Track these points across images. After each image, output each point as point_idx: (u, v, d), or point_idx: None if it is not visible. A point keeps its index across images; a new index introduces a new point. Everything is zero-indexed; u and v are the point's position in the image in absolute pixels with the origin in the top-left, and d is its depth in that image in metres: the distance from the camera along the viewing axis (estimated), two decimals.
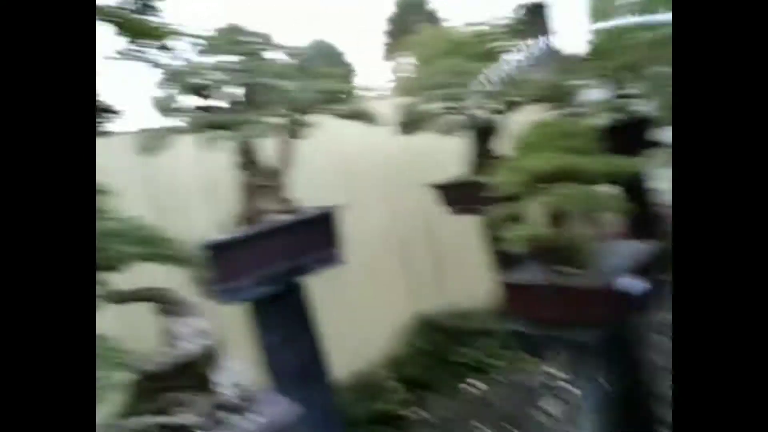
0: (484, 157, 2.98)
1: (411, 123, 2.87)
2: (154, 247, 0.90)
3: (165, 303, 1.01)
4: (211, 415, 0.96)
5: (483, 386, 3.29)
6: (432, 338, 3.55)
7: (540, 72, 3.43)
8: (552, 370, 3.19)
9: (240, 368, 1.06)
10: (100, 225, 0.87)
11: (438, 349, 3.47)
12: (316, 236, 2.18)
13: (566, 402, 2.87)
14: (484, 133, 2.98)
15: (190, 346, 0.98)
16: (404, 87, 3.31)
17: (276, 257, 2.08)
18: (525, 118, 2.63)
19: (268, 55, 2.11)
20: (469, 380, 3.32)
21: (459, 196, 3.11)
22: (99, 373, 0.72)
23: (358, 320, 3.50)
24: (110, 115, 7.94)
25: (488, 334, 3.58)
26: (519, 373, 3.28)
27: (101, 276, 0.95)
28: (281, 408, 1.02)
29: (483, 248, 4.05)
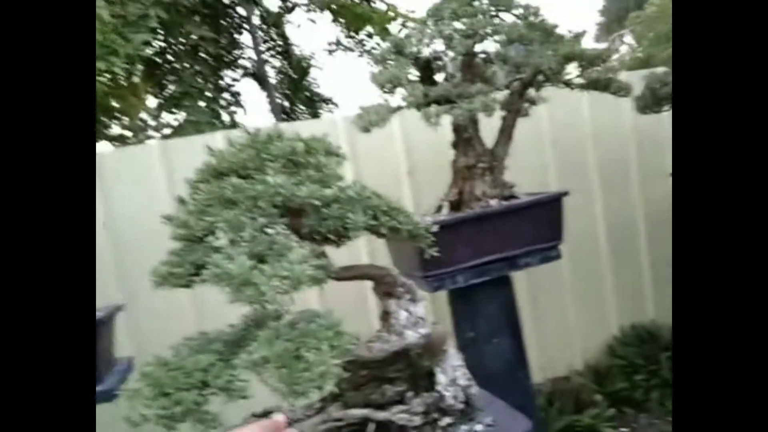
0: None
1: (657, 97, 2.40)
2: (386, 217, 0.80)
3: (386, 284, 0.91)
4: (428, 417, 0.83)
5: None
6: (646, 352, 3.08)
7: None
8: None
9: (459, 364, 0.92)
10: (323, 190, 0.79)
11: (652, 365, 3.00)
12: (534, 226, 1.95)
13: None
14: None
15: (409, 334, 0.86)
16: (631, 65, 2.83)
17: (489, 247, 1.91)
18: None
19: (498, 18, 1.90)
20: None
21: None
22: (316, 356, 0.63)
23: (565, 322, 3.18)
24: (328, 104, 8.63)
25: None
26: None
27: (323, 248, 0.88)
28: (507, 417, 0.84)
29: None
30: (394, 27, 6.32)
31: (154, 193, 2.46)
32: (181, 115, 5.24)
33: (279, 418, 0.81)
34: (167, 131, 5.76)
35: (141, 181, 2.47)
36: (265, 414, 0.92)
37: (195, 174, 0.83)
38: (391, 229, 0.81)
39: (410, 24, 5.76)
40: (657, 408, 2.89)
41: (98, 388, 1.47)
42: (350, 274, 0.91)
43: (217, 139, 2.58)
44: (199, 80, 5.18)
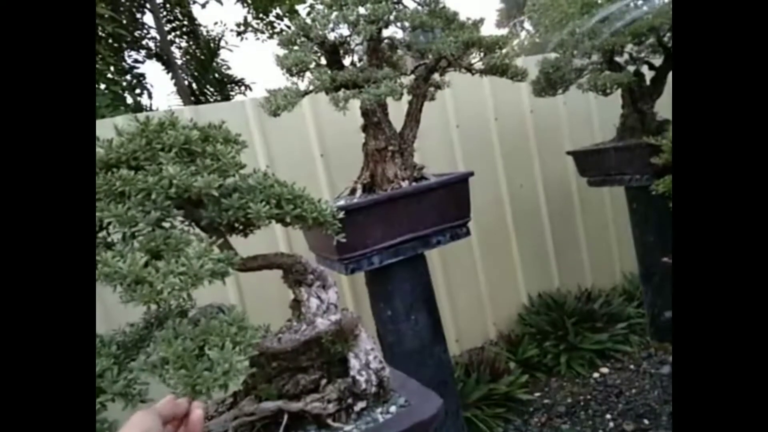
0: (637, 120, 2.60)
1: (551, 81, 2.55)
2: (290, 206, 0.78)
3: (296, 272, 0.90)
4: (343, 403, 0.84)
5: (611, 373, 2.99)
6: (554, 319, 3.29)
7: None
8: None
9: (371, 348, 0.93)
10: (220, 180, 0.76)
11: (560, 331, 3.22)
12: (444, 205, 2.01)
13: None
14: (638, 93, 2.58)
15: (320, 321, 0.86)
16: (528, 51, 2.99)
17: (402, 227, 1.94)
18: None
19: (400, 4, 1.92)
20: (596, 367, 3.04)
21: (602, 163, 2.77)
22: (218, 354, 0.61)
23: (477, 295, 3.33)
24: (241, 87, 8.29)
25: (617, 318, 3.26)
26: (652, 363, 2.94)
27: (228, 239, 0.86)
28: (420, 397, 0.87)
29: (616, 223, 3.67)
30: (302, 10, 6.19)
31: None
32: None
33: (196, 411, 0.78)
34: None
35: None
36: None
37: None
38: (297, 217, 0.80)
39: (318, 6, 5.65)
40: (566, 371, 3.10)
41: None
42: (257, 264, 0.88)
43: (119, 122, 2.41)
44: (97, 62, 4.79)
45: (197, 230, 0.80)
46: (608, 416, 2.58)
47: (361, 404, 0.85)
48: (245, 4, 7.12)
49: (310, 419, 0.84)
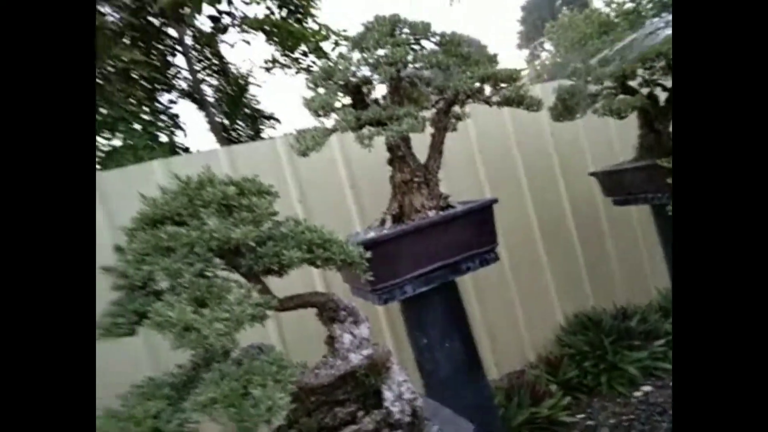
0: (654, 140, 2.60)
1: (569, 107, 2.59)
2: (321, 250, 0.85)
3: (329, 309, 0.96)
4: None
5: (653, 391, 2.92)
6: (592, 339, 3.24)
7: None
8: None
9: (405, 380, 0.97)
10: (255, 230, 0.83)
11: (599, 351, 3.16)
12: (470, 232, 2.05)
13: None
14: (653, 113, 2.59)
15: (353, 356, 0.91)
16: (549, 72, 3.05)
17: (432, 255, 1.99)
18: None
19: (418, 45, 2.01)
20: (637, 385, 2.97)
21: (624, 183, 2.77)
22: (261, 392, 0.67)
23: (514, 319, 3.32)
24: (270, 121, 8.56)
25: (655, 335, 3.19)
26: None
27: (265, 282, 0.92)
28: (453, 425, 0.91)
29: (645, 239, 3.62)
30: (327, 45, 6.39)
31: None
32: (107, 138, 5.12)
33: None
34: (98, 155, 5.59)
35: None
36: None
37: (131, 222, 0.85)
38: (326, 260, 0.86)
39: (341, 48, 5.84)
40: (607, 391, 3.05)
41: None
42: (293, 303, 0.95)
43: (155, 167, 2.55)
44: (134, 104, 5.06)
45: (237, 276, 0.87)
46: None
47: None
48: (272, 42, 7.40)
49: None
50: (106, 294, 0.94)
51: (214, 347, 0.70)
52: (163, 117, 5.92)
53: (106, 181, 2.46)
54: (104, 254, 2.07)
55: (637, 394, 2.95)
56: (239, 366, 0.72)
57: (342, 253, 0.88)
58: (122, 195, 2.41)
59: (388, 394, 0.92)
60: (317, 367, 0.92)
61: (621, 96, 2.62)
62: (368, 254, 0.95)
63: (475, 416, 2.15)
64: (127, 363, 2.27)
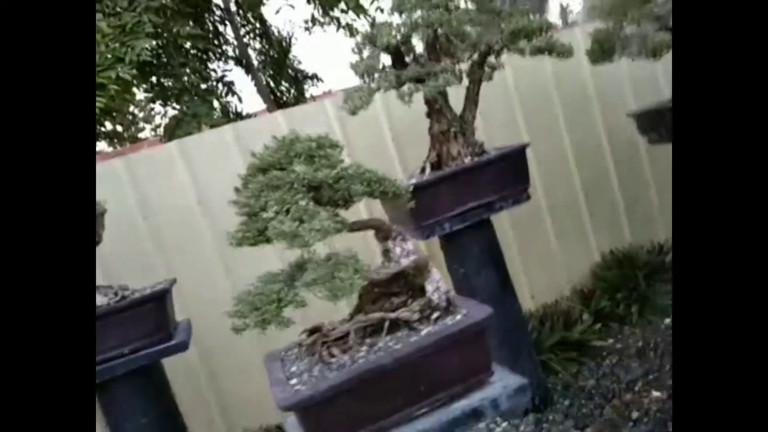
0: None
1: (605, 50, 2.75)
2: (376, 184, 1.19)
3: (383, 230, 1.31)
4: (423, 313, 1.25)
5: None
6: (626, 273, 3.49)
7: None
8: None
9: (441, 279, 1.33)
10: (332, 172, 1.18)
11: (632, 285, 3.41)
12: (502, 175, 2.35)
13: None
14: None
15: (403, 261, 1.27)
16: (599, 7, 3.12)
17: (466, 197, 2.30)
18: None
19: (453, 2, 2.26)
20: (668, 314, 3.23)
21: (659, 123, 2.93)
22: (344, 274, 1.04)
23: (549, 255, 3.60)
24: (313, 81, 8.84)
25: None
26: None
27: (338, 211, 1.28)
28: (477, 308, 1.26)
29: None
30: (365, 2, 6.57)
31: (179, 188, 2.84)
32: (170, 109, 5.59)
33: None
34: (158, 121, 6.05)
35: (167, 180, 2.84)
36: (314, 329, 1.34)
37: (246, 170, 1.22)
38: (382, 192, 1.21)
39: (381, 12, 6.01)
40: (637, 319, 3.32)
41: (172, 342, 1.91)
42: (359, 225, 1.31)
43: (227, 131, 2.95)
44: (194, 76, 5.49)
45: (318, 207, 1.23)
46: None
47: (436, 314, 1.26)
48: (312, 2, 7.61)
49: (402, 324, 1.25)
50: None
51: (312, 248, 1.07)
52: (219, 86, 6.34)
53: (191, 145, 2.88)
54: (191, 210, 2.46)
55: (666, 321, 3.22)
56: (329, 261, 1.08)
57: (392, 186, 1.23)
58: (205, 156, 2.83)
59: (429, 287, 1.28)
60: (378, 268, 1.28)
61: (655, 35, 2.71)
62: (411, 189, 1.29)
63: (507, 336, 2.52)
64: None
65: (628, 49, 2.75)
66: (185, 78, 5.22)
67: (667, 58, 2.68)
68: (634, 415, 2.43)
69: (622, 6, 2.77)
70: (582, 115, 3.59)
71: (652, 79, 3.67)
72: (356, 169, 1.21)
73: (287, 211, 1.10)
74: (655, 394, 2.55)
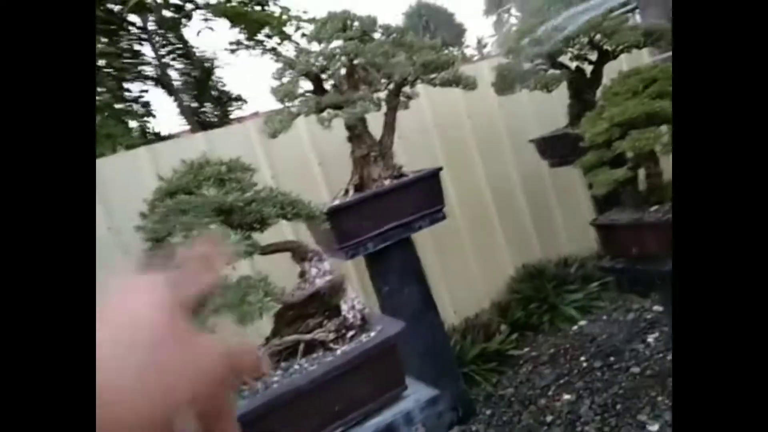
0: (581, 108, 3.01)
1: (508, 83, 2.98)
2: (290, 207, 1.22)
3: (299, 252, 1.34)
4: (339, 333, 1.28)
5: (587, 324, 3.42)
6: (537, 285, 3.71)
7: (648, 16, 3.34)
8: (651, 305, 3.28)
9: (357, 297, 1.36)
10: (243, 195, 1.20)
11: (543, 295, 3.64)
12: (420, 196, 2.44)
13: (663, 332, 2.94)
14: (580, 84, 3.00)
15: (318, 281, 1.30)
16: (506, 43, 3.38)
17: (387, 217, 2.37)
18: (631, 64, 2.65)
19: (371, 35, 2.35)
20: (575, 321, 3.47)
21: (556, 148, 3.19)
22: (253, 298, 1.05)
23: (469, 271, 3.75)
24: (238, 102, 8.74)
25: (590, 279, 3.68)
26: (620, 311, 3.37)
27: (250, 234, 1.29)
28: (390, 324, 1.31)
29: (585, 197, 4.08)
30: (289, 28, 6.62)
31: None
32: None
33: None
34: None
35: None
36: None
37: (153, 194, 1.21)
38: (295, 214, 1.23)
39: (303, 23, 6.09)
40: (549, 328, 3.53)
41: None
42: (273, 248, 1.32)
43: (142, 153, 2.86)
44: (108, 95, 5.27)
45: (230, 230, 1.23)
46: (582, 358, 3.00)
47: (351, 332, 1.29)
48: (236, 27, 7.57)
49: (318, 345, 1.27)
50: None
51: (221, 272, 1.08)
52: (135, 106, 6.12)
53: (103, 168, 2.76)
54: (100, 238, 2.36)
55: (574, 328, 3.44)
56: (239, 284, 1.09)
57: (306, 208, 1.26)
58: (118, 180, 2.73)
59: (344, 306, 1.31)
60: (293, 290, 1.30)
61: (550, 71, 3.01)
62: (329, 221, 1.33)
63: (430, 351, 2.60)
64: None
65: (525, 83, 3.02)
66: (98, 97, 5.00)
67: (561, 90, 2.98)
68: (548, 418, 2.57)
69: (518, 44, 3.04)
70: (492, 141, 3.82)
71: (551, 109, 3.98)
72: (269, 193, 1.23)
73: (193, 236, 1.10)
74: (566, 396, 2.70)
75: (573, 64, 2.97)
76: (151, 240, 1.16)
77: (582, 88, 2.97)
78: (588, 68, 3.01)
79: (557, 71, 2.89)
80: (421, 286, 2.68)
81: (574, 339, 3.28)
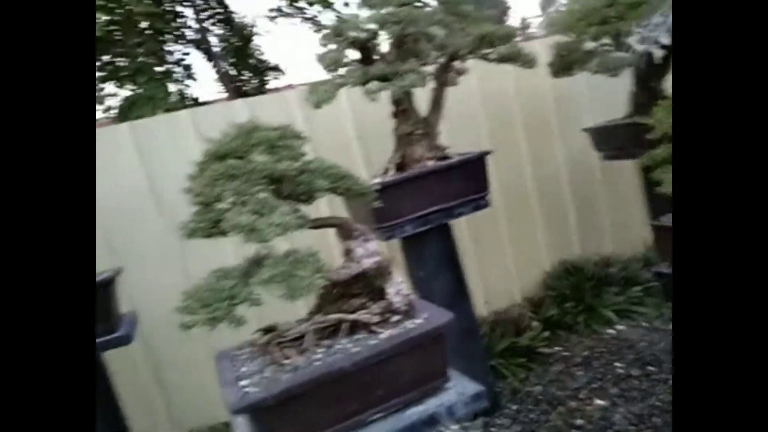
0: (647, 97, 2.83)
1: (566, 63, 2.81)
2: (341, 181, 1.14)
3: (346, 229, 1.26)
4: (383, 317, 1.21)
5: (625, 330, 3.29)
6: (573, 283, 3.58)
7: None
8: None
9: (403, 282, 1.29)
10: (294, 164, 1.12)
11: (580, 295, 3.51)
12: (464, 181, 2.34)
13: None
14: (648, 71, 2.81)
15: (365, 261, 1.23)
16: (559, 23, 3.17)
17: (429, 200, 2.28)
18: None
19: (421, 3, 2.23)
20: (612, 324, 3.33)
21: (612, 139, 3.02)
22: (303, 273, 0.98)
23: (503, 262, 3.65)
24: (275, 72, 8.69)
25: (633, 282, 3.53)
26: (663, 320, 3.23)
27: (298, 206, 1.22)
28: (437, 313, 1.23)
29: (635, 194, 3.89)
30: None
31: (129, 173, 2.69)
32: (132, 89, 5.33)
33: None
34: (108, 103, 5.84)
35: (117, 164, 2.69)
36: (269, 329, 1.28)
37: (201, 156, 1.15)
38: (346, 189, 1.16)
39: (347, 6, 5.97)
40: (584, 328, 3.40)
41: (115, 335, 1.79)
42: (320, 223, 1.25)
43: (184, 116, 2.82)
44: (150, 56, 5.27)
45: (278, 201, 1.17)
46: (618, 364, 2.89)
47: (396, 317, 1.22)
48: None
49: (362, 327, 1.21)
50: None
51: (269, 244, 1.01)
52: (176, 68, 6.11)
53: (144, 129, 2.74)
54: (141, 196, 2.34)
55: (611, 331, 3.31)
56: (287, 257, 1.03)
57: (357, 184, 1.18)
58: (159, 142, 2.70)
59: (390, 290, 1.23)
60: (338, 268, 1.23)
61: (615, 53, 2.80)
62: (377, 187, 1.25)
63: (461, 339, 2.52)
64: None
65: (587, 64, 2.82)
66: (140, 58, 5.00)
67: (624, 76, 2.79)
68: (578, 422, 2.48)
69: (583, 22, 2.84)
70: (540, 126, 3.65)
71: (608, 96, 3.78)
72: (320, 164, 1.16)
73: (244, 203, 1.03)
74: (598, 402, 2.60)
75: (641, 47, 2.76)
76: (199, 204, 1.10)
77: (649, 76, 2.77)
78: (657, 54, 2.80)
79: (624, 54, 2.68)
80: (456, 274, 2.59)
81: (610, 343, 3.16)
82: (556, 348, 3.30)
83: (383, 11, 2.22)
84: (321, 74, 2.35)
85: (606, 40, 2.83)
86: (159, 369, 2.74)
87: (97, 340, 1.80)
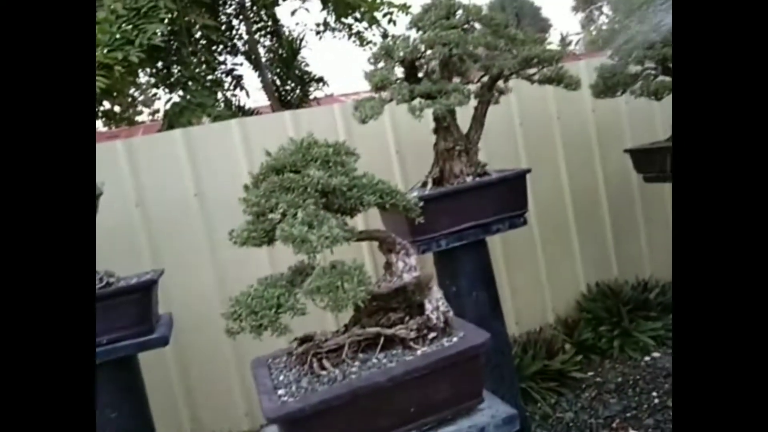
0: None
1: (609, 86, 2.80)
2: (389, 197, 1.18)
3: (388, 243, 1.30)
4: (420, 333, 1.24)
5: (662, 357, 3.21)
6: (609, 307, 3.52)
7: None
8: None
9: (441, 298, 1.32)
10: (345, 180, 1.17)
11: (616, 319, 3.45)
12: (503, 198, 2.35)
13: None
14: None
15: (405, 276, 1.26)
16: (602, 41, 3.17)
17: (466, 216, 2.30)
18: None
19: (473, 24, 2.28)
20: (648, 351, 3.26)
21: (654, 161, 2.98)
22: (348, 286, 1.02)
23: (537, 282, 3.61)
24: (319, 83, 8.87)
25: (671, 308, 3.44)
26: None
27: (344, 219, 1.27)
28: (474, 332, 1.25)
29: (669, 218, 3.81)
30: (378, 14, 6.60)
31: (178, 178, 2.81)
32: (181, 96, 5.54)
33: None
34: (157, 106, 6.00)
35: (167, 168, 2.80)
36: (306, 338, 1.32)
37: (259, 169, 1.21)
38: (392, 205, 1.20)
39: (393, 9, 6.06)
40: (619, 354, 3.34)
41: (153, 336, 1.86)
42: (365, 236, 1.30)
43: (234, 126, 2.92)
44: (204, 66, 5.47)
45: (328, 213, 1.21)
46: (654, 394, 2.82)
47: (432, 334, 1.24)
48: (325, 7, 7.64)
49: (398, 342, 1.24)
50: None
51: (318, 255, 1.06)
52: (228, 78, 6.32)
53: (195, 136, 2.86)
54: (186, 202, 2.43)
55: (647, 359, 3.24)
56: (334, 269, 1.07)
57: (404, 200, 1.22)
58: (208, 149, 2.81)
59: (428, 306, 1.26)
60: (378, 281, 1.27)
61: (660, 77, 2.79)
62: (421, 203, 1.29)
63: (492, 359, 2.51)
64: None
65: (630, 87, 2.81)
66: (193, 67, 5.20)
67: (667, 99, 2.76)
68: None
69: (628, 47, 2.84)
70: (580, 147, 3.63)
71: (649, 118, 3.73)
72: (369, 179, 1.20)
73: (295, 215, 1.08)
74: None
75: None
76: (253, 213, 1.16)
77: None
78: None
79: (668, 78, 2.68)
80: (489, 292, 2.59)
81: (645, 371, 3.09)
82: (589, 373, 3.24)
83: (433, 33, 2.28)
84: (359, 85, 2.42)
85: (650, 64, 2.81)
86: (186, 373, 2.81)
87: (136, 341, 1.85)
